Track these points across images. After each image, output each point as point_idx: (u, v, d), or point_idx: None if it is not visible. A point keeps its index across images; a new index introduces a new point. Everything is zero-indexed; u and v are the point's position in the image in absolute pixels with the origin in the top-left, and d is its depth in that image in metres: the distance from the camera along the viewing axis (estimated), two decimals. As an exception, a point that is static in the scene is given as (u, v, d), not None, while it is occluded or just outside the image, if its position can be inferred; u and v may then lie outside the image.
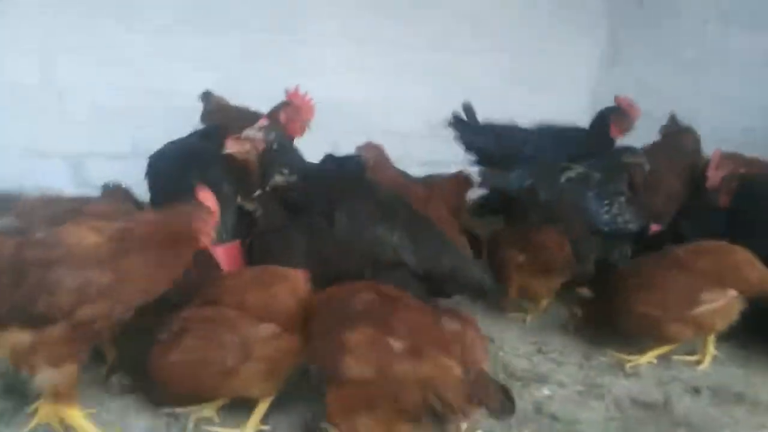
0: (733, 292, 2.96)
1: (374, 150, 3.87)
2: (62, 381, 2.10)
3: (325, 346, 2.06)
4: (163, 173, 3.48)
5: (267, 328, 2.24)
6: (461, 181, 4.12)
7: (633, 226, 3.49)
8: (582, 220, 3.44)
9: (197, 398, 2.38)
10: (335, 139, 5.26)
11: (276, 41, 5.43)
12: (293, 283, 2.35)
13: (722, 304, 2.96)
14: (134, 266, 2.10)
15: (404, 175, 4.01)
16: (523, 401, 2.67)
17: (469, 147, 4.49)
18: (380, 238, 2.83)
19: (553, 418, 2.58)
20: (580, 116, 6.44)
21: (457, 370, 1.91)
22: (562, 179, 3.50)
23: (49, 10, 4.76)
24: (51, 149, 4.77)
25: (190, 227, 2.23)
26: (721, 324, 3.02)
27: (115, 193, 3.75)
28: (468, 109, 4.67)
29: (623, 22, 6.31)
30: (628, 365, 3.05)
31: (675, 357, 3.13)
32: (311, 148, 4.35)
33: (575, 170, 3.56)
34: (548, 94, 6.34)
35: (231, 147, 3.10)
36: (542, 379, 2.89)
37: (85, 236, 2.08)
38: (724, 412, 2.73)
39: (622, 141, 4.54)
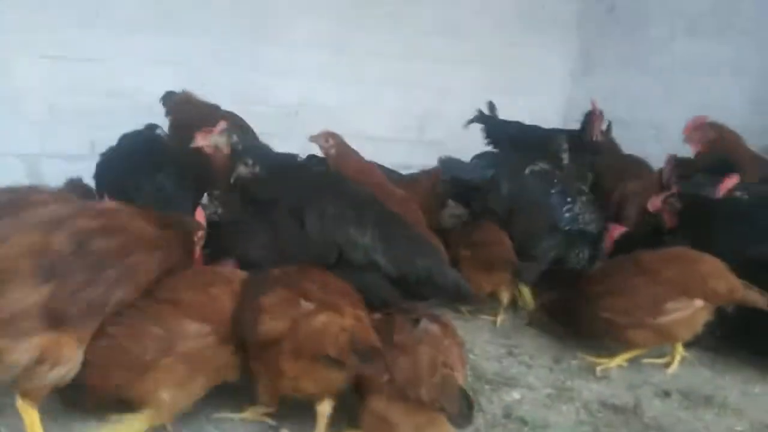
0: (699, 302, 2.90)
1: (333, 137, 3.72)
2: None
3: (245, 312, 2.15)
4: (112, 174, 3.45)
5: (194, 326, 2.15)
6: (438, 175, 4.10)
7: (592, 228, 3.45)
8: (543, 217, 3.40)
9: (108, 395, 2.19)
10: (305, 142, 5.22)
11: (246, 44, 5.35)
12: (235, 287, 2.26)
13: (688, 314, 2.91)
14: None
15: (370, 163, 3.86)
16: (492, 405, 2.62)
17: (494, 138, 4.61)
18: (351, 239, 2.72)
19: (523, 421, 2.51)
20: (553, 123, 6.52)
21: (346, 322, 2.06)
22: (526, 172, 3.45)
23: (4, 7, 4.62)
24: (5, 149, 4.60)
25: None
26: (687, 333, 2.97)
27: (77, 188, 3.64)
28: (492, 107, 4.87)
29: (594, 33, 6.40)
30: (598, 369, 3.00)
31: (645, 360, 3.10)
32: (282, 150, 4.31)
33: (539, 166, 3.52)
34: (521, 102, 6.36)
35: (200, 141, 3.09)
36: (512, 383, 2.83)
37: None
38: (694, 415, 2.69)
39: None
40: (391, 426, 2.04)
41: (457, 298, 3.15)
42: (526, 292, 3.57)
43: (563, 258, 3.44)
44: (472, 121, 4.71)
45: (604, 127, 4.43)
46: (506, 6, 6.30)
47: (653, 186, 3.87)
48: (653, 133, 5.32)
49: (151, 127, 3.88)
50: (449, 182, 3.85)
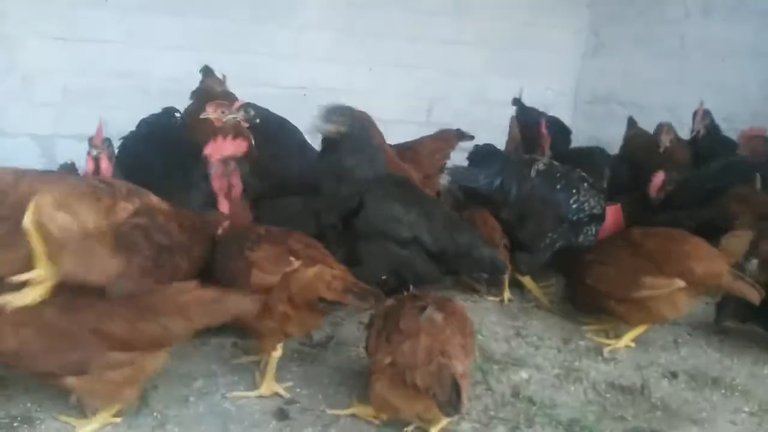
0: (679, 282, 2.86)
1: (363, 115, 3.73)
2: None
3: (233, 265, 2.32)
4: (133, 156, 3.49)
5: None
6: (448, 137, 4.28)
7: (597, 210, 3.49)
8: (552, 216, 3.42)
9: None
10: (314, 123, 5.21)
11: (255, 26, 5.33)
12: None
13: (666, 292, 2.88)
14: None
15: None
16: (501, 384, 2.64)
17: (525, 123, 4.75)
18: (397, 216, 2.92)
19: (531, 401, 2.53)
20: (563, 105, 6.47)
21: (332, 272, 2.29)
22: (532, 173, 3.46)
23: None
24: (19, 130, 4.64)
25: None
26: (668, 312, 2.95)
27: (71, 171, 3.66)
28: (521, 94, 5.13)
29: (606, 13, 6.30)
30: (606, 349, 3.02)
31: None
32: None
33: (542, 162, 3.56)
34: (530, 83, 6.31)
35: (210, 112, 3.24)
36: (520, 363, 2.85)
37: None
38: (701, 396, 2.70)
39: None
40: (393, 408, 2.13)
41: (493, 272, 3.30)
42: (527, 281, 3.57)
43: (571, 244, 3.46)
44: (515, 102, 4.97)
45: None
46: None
47: None
48: (666, 115, 5.26)
49: (168, 111, 3.86)
50: (460, 190, 3.91)
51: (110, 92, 4.81)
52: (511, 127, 4.65)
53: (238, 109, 3.36)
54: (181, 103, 4.01)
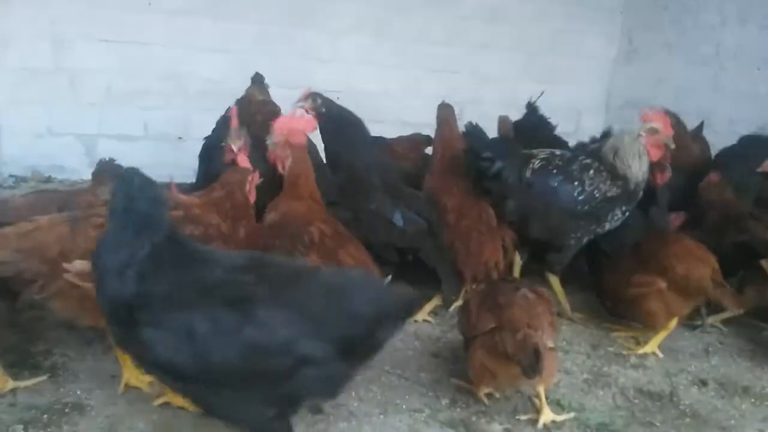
0: (661, 282, 2.93)
1: (444, 110, 3.76)
2: None
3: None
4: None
5: None
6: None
7: (614, 192, 3.29)
8: (556, 214, 3.29)
9: None
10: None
11: (291, 30, 5.46)
12: None
13: (650, 291, 2.95)
14: None
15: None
16: (530, 388, 2.68)
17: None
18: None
19: (559, 405, 2.57)
20: (595, 110, 6.48)
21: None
22: (528, 174, 3.30)
23: (65, -5, 4.82)
24: (65, 130, 4.82)
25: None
26: (660, 315, 2.98)
27: (111, 168, 3.76)
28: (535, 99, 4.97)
29: (640, 19, 6.29)
30: (632, 353, 3.05)
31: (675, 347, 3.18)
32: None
33: (538, 157, 3.37)
34: (563, 88, 6.33)
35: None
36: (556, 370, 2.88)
37: None
38: (730, 404, 2.72)
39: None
40: (492, 375, 2.39)
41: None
42: (555, 282, 3.49)
43: (596, 234, 3.36)
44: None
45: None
46: (550, -9, 6.26)
47: None
48: (700, 122, 5.24)
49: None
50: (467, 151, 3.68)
51: (152, 93, 4.97)
52: (499, 127, 4.48)
53: (305, 98, 3.53)
54: (220, 104, 4.13)
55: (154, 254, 1.73)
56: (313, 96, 3.61)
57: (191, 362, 1.65)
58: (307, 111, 3.45)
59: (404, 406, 2.45)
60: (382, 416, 2.38)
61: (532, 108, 4.92)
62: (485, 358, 2.37)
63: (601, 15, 6.45)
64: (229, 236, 2.51)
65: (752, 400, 2.75)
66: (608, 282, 3.20)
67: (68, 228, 2.16)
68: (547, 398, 2.59)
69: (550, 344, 2.31)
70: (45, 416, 2.20)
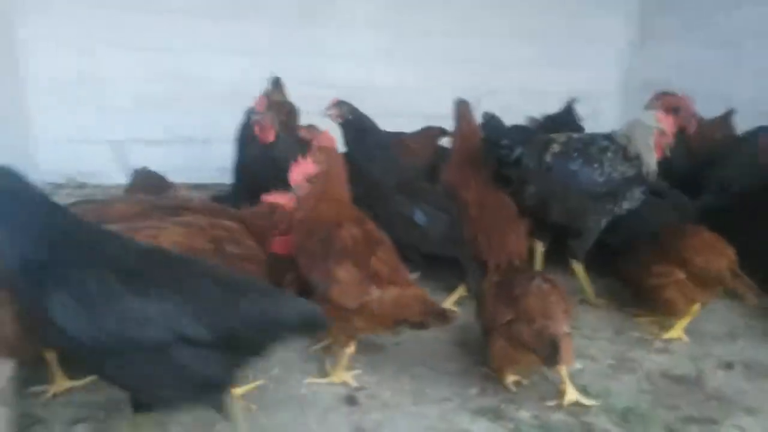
0: (679, 273, 3.01)
1: (463, 105, 3.78)
2: None
3: (317, 267, 2.45)
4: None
5: None
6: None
7: (632, 173, 3.33)
8: (577, 198, 3.33)
9: None
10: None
11: (307, 29, 5.53)
12: None
13: (669, 282, 3.03)
14: None
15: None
16: (556, 375, 2.73)
17: None
18: None
19: (585, 390, 2.62)
20: (614, 94, 6.45)
21: (416, 291, 2.44)
22: (548, 158, 3.34)
23: (84, 3, 4.94)
24: (94, 137, 4.96)
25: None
26: (681, 302, 3.05)
27: (149, 177, 3.87)
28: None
29: (655, 1, 6.23)
30: (660, 337, 3.11)
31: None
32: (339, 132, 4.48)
33: (558, 142, 3.40)
34: (579, 73, 6.32)
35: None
36: (574, 353, 2.91)
37: None
38: (757, 386, 2.74)
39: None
40: (513, 362, 2.52)
41: None
42: (579, 270, 3.52)
43: (614, 215, 3.39)
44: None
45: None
46: (564, -23, 6.23)
47: None
48: (720, 103, 5.20)
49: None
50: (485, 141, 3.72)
51: (176, 97, 5.08)
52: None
53: (333, 106, 3.68)
54: (243, 105, 4.22)
55: (52, 228, 1.87)
56: (340, 104, 3.73)
57: (85, 327, 1.75)
58: (334, 118, 3.62)
59: (434, 396, 2.54)
60: (413, 406, 2.46)
61: (568, 107, 5.05)
62: (505, 348, 2.48)
63: (615, -2, 6.41)
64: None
65: (778, 381, 2.78)
66: (629, 272, 3.26)
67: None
68: (573, 384, 2.66)
69: (566, 329, 2.39)
70: (102, 412, 2.31)
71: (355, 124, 3.73)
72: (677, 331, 3.14)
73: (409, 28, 5.81)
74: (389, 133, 4.11)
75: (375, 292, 2.38)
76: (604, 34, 6.48)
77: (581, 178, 3.32)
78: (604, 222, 3.38)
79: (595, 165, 3.32)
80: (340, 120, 3.66)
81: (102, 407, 2.34)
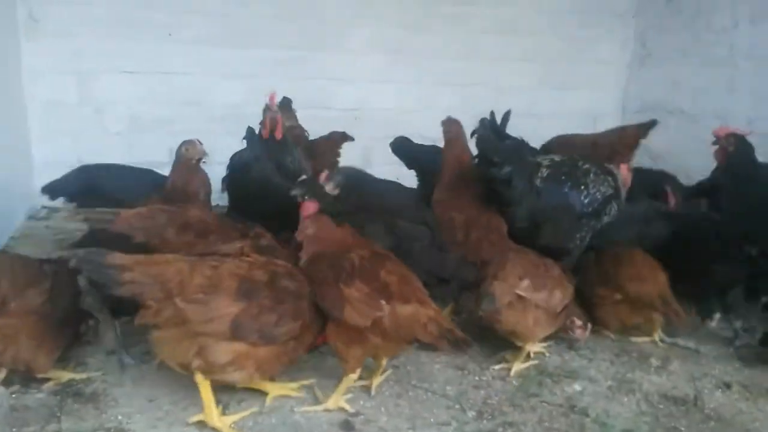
0: (617, 296, 3.22)
1: (455, 125, 3.77)
2: None
3: (328, 292, 2.44)
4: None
5: None
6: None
7: (610, 190, 3.49)
8: (567, 220, 3.42)
9: None
10: (366, 144, 5.40)
11: (308, 53, 5.61)
12: None
13: (606, 303, 3.27)
14: None
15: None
16: (555, 396, 2.75)
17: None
18: None
19: (584, 413, 2.62)
20: (611, 115, 6.50)
21: (427, 313, 2.41)
22: (538, 183, 3.43)
23: (84, 28, 5.03)
24: (92, 159, 4.97)
25: None
26: (613, 322, 3.31)
27: None
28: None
29: (653, 23, 6.32)
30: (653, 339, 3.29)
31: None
32: (344, 154, 4.52)
33: (544, 165, 3.50)
34: (579, 95, 6.39)
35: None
36: (574, 375, 2.94)
37: None
38: (755, 406, 2.74)
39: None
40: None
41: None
42: None
43: (596, 233, 3.51)
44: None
45: None
46: (562, 1, 6.31)
47: None
48: (716, 124, 5.23)
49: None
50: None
51: (175, 120, 5.13)
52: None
53: (326, 180, 3.44)
54: (242, 128, 4.26)
55: None
56: (332, 177, 3.52)
57: None
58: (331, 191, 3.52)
59: (432, 420, 2.52)
60: (410, 430, 2.45)
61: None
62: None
63: (614, 20, 6.48)
64: None
65: (777, 401, 2.78)
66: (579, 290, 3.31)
67: (188, 265, 2.32)
68: (573, 407, 2.66)
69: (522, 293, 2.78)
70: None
71: (351, 188, 3.66)
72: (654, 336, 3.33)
73: (409, 51, 5.88)
74: (388, 183, 4.11)
75: (386, 308, 2.38)
76: (602, 57, 6.55)
77: (571, 201, 3.42)
78: (587, 239, 3.48)
79: (582, 187, 3.44)
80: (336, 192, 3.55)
81: (108, 430, 2.34)
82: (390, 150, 4.64)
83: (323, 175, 3.46)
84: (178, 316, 2.25)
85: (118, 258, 2.24)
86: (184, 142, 3.67)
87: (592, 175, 3.48)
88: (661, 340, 3.32)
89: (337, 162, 4.43)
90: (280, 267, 2.48)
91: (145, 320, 2.30)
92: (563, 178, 3.44)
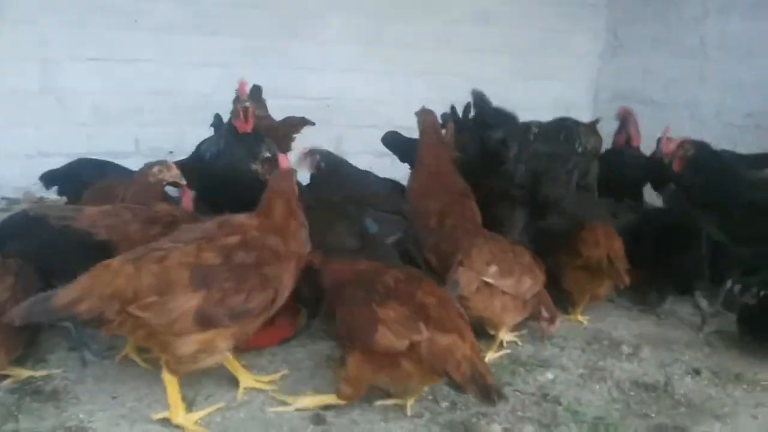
0: (577, 261, 3.31)
1: (429, 115, 3.73)
2: None
3: (358, 312, 2.27)
4: None
5: None
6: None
7: (598, 145, 3.89)
8: (563, 163, 3.60)
9: None
10: (339, 133, 5.36)
11: (280, 42, 5.52)
12: None
13: (572, 269, 3.36)
14: None
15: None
16: (527, 385, 2.74)
17: None
18: None
19: (557, 401, 2.62)
20: (583, 105, 6.53)
21: (464, 351, 2.20)
22: (531, 138, 3.67)
23: (48, 14, 4.88)
24: (55, 151, 4.85)
25: None
26: (576, 291, 3.42)
27: None
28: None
29: (624, 14, 6.36)
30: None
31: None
32: (315, 142, 4.46)
33: (534, 125, 3.79)
34: (552, 86, 6.40)
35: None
36: (546, 364, 2.94)
37: None
38: (724, 391, 2.77)
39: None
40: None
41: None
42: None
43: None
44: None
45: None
46: (535, -9, 6.32)
47: None
48: (687, 113, 5.30)
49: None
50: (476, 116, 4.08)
51: (142, 110, 5.01)
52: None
53: (304, 158, 3.53)
54: (212, 117, 4.19)
55: None
56: (311, 153, 3.62)
57: None
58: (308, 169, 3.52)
59: (404, 412, 2.49)
60: (383, 423, 2.42)
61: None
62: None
63: (585, 12, 6.52)
64: (283, 254, 2.38)
65: (744, 386, 2.82)
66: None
67: (133, 267, 2.16)
68: (545, 396, 2.66)
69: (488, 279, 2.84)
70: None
71: (331, 171, 3.67)
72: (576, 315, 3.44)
73: (384, 41, 5.83)
74: (364, 172, 4.05)
75: (424, 333, 2.19)
76: (574, 48, 6.59)
77: (563, 153, 3.67)
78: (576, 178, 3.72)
79: (576, 141, 3.78)
80: (314, 170, 3.53)
81: (69, 429, 2.27)
82: (363, 140, 4.60)
83: (302, 152, 3.46)
84: (140, 324, 2.15)
85: (62, 296, 2.08)
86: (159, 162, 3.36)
87: (581, 129, 3.82)
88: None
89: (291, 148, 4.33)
90: (231, 239, 2.28)
91: (110, 332, 2.22)
92: (557, 129, 3.82)
